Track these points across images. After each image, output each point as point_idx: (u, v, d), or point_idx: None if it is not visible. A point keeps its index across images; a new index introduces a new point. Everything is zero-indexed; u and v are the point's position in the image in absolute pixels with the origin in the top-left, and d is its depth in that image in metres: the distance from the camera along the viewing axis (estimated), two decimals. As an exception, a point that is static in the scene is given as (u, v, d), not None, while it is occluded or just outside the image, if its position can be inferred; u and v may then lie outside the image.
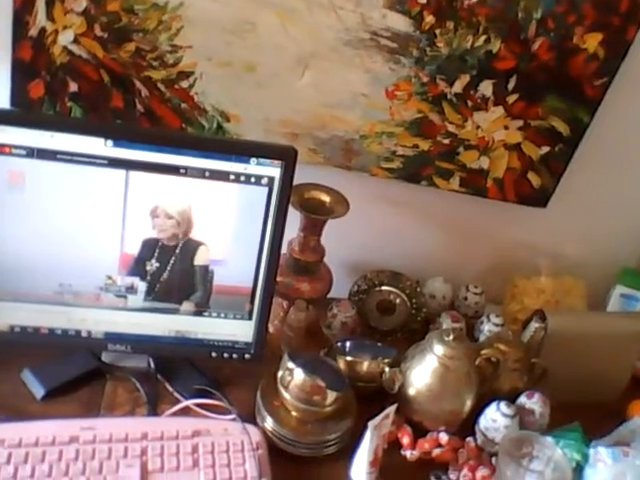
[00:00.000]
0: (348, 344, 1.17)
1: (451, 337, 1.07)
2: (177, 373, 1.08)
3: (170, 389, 1.06)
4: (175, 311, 1.01)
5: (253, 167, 0.94)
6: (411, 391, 1.07)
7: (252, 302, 1.02)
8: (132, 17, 0.99)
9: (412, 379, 1.08)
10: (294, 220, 1.12)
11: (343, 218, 1.14)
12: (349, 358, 1.13)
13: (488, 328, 1.28)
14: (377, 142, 1.17)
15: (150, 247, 0.96)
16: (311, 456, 1.01)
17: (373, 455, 0.98)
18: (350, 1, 1.03)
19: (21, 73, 1.00)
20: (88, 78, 1.02)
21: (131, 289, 0.98)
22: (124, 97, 1.05)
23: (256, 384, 1.06)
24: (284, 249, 1.14)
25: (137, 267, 0.97)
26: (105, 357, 1.06)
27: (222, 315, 1.02)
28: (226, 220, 0.96)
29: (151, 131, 1.04)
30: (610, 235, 1.39)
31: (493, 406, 1.07)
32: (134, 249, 0.95)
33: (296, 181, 1.03)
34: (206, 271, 0.99)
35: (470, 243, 1.37)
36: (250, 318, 1.03)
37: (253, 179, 0.94)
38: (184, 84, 1.06)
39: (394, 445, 1.06)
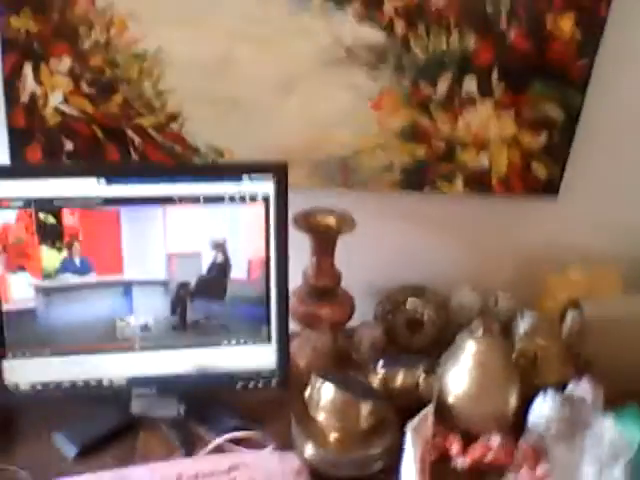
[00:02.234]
0: (380, 362, 1.13)
1: (480, 331, 1.03)
2: (207, 414, 1.05)
3: (203, 431, 1.03)
4: (194, 345, 0.99)
5: (246, 186, 0.95)
6: (450, 398, 1.03)
7: (269, 324, 1.00)
8: (115, 69, 1.03)
9: (449, 384, 1.04)
10: (304, 247, 1.11)
11: (353, 239, 1.13)
12: (382, 374, 1.09)
13: (523, 327, 1.23)
14: (372, 156, 1.17)
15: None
16: (356, 476, 0.96)
17: (420, 463, 0.93)
18: (320, 21, 1.06)
19: (17, 138, 1.04)
20: (82, 135, 1.06)
21: (145, 328, 0.98)
22: (119, 148, 1.08)
23: (288, 412, 1.03)
24: (300, 279, 1.14)
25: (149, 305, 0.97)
26: (134, 408, 1.04)
27: (242, 341, 1.00)
28: (232, 242, 0.97)
29: (141, 164, 1.07)
30: (634, 216, 1.34)
31: (539, 399, 1.01)
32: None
33: (298, 207, 1.05)
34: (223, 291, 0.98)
35: (489, 245, 1.33)
36: (269, 342, 1.01)
37: (248, 198, 0.95)
38: (174, 127, 1.09)
39: (444, 458, 1.00)
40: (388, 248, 1.29)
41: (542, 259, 1.34)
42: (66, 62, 1.02)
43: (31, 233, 0.91)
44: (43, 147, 1.06)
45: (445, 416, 1.01)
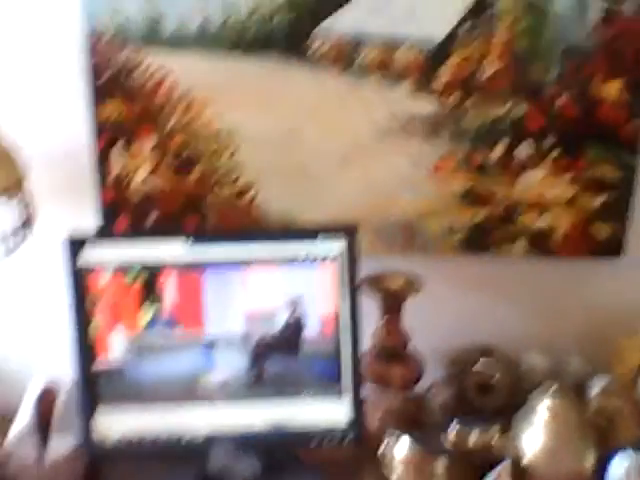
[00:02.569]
0: (452, 423, 1.13)
1: (555, 387, 1.04)
2: (285, 472, 1.07)
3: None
4: (270, 400, 1.03)
5: (319, 247, 1.01)
6: (525, 459, 1.02)
7: (340, 381, 1.03)
8: (194, 147, 1.13)
9: (524, 445, 1.03)
10: (372, 310, 1.15)
11: (419, 304, 1.16)
12: (455, 433, 1.09)
13: (596, 387, 1.21)
14: (434, 220, 1.22)
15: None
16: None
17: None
18: (377, 95, 1.14)
19: (107, 212, 1.14)
20: (164, 207, 1.15)
21: (225, 383, 1.02)
22: (197, 219, 1.16)
23: (360, 470, 1.04)
24: (368, 341, 1.17)
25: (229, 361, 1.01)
26: (211, 467, 1.07)
27: (316, 397, 1.03)
28: (305, 300, 1.02)
29: (225, 229, 1.16)
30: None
31: (617, 459, 0.99)
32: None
33: (364, 272, 1.09)
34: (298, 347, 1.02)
35: (555, 307, 1.34)
36: (342, 398, 1.04)
37: (320, 257, 1.01)
38: (247, 197, 1.17)
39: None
40: (453, 310, 1.31)
41: (611, 319, 1.32)
42: (150, 142, 1.12)
43: (123, 295, 0.98)
44: (130, 219, 1.15)
45: (520, 477, 1.00)
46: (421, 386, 1.22)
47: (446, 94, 1.16)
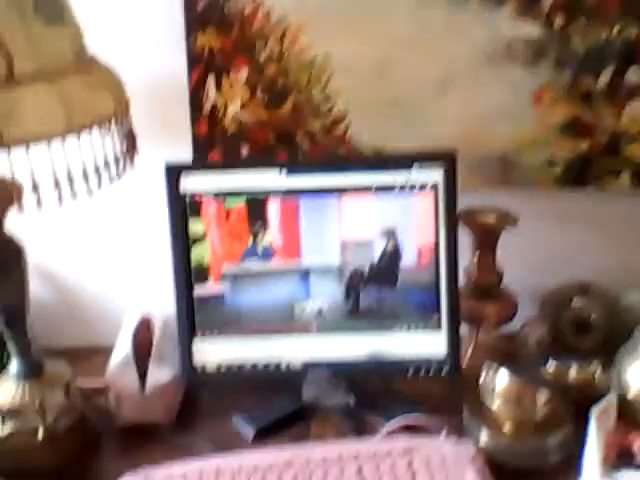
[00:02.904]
0: (549, 359, 1.11)
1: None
2: (378, 403, 1.07)
3: (373, 419, 1.05)
4: (367, 330, 1.02)
5: (416, 175, 0.98)
6: (630, 394, 0.98)
7: (439, 310, 1.02)
8: (287, 77, 1.12)
9: (628, 380, 0.99)
10: (465, 245, 1.12)
11: (512, 240, 1.13)
12: (554, 368, 1.06)
13: None
14: (532, 152, 1.17)
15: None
16: (533, 468, 0.94)
17: (603, 453, 0.89)
18: (478, 20, 1.09)
19: (201, 146, 1.14)
20: (256, 140, 1.15)
21: (320, 312, 1.02)
22: (288, 152, 1.15)
23: (458, 401, 1.03)
24: (462, 278, 1.15)
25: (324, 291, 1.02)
26: (306, 397, 1.08)
27: (413, 328, 1.02)
28: (402, 230, 1.00)
29: (319, 158, 1.14)
30: None
31: None
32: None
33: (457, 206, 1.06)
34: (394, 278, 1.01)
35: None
36: (440, 329, 1.02)
37: (418, 186, 0.98)
38: (340, 130, 1.15)
39: (624, 455, 0.95)
40: (549, 246, 1.26)
41: None
42: (244, 73, 1.11)
43: (222, 224, 0.99)
44: (222, 152, 1.15)
45: (625, 413, 0.97)
46: (515, 324, 1.19)
47: (551, 17, 1.10)
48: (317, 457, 0.91)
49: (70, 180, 0.73)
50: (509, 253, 1.16)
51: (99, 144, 0.78)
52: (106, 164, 0.79)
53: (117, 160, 0.81)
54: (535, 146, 1.17)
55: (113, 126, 0.80)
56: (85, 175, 0.75)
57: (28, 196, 0.71)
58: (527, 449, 0.95)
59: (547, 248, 1.26)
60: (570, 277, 1.24)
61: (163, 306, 1.13)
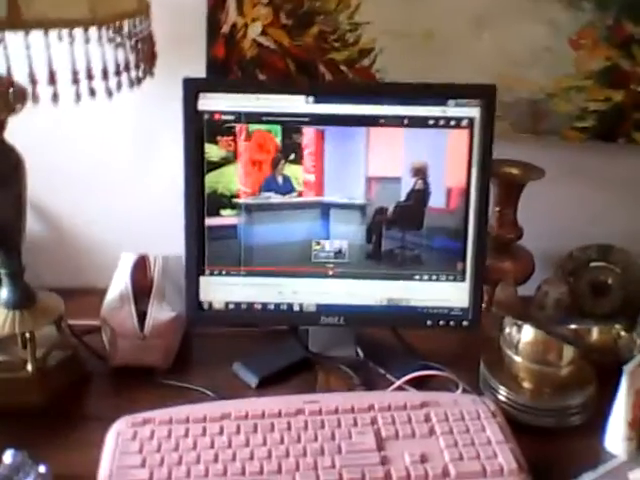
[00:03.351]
0: (569, 320, 1.06)
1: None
2: (387, 356, 1.02)
3: (383, 372, 1.00)
4: (386, 276, 0.96)
5: (452, 109, 0.92)
6: (654, 356, 0.94)
7: (464, 260, 0.96)
8: (314, 1, 1.03)
9: (652, 342, 0.95)
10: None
11: (536, 195, 1.08)
12: (575, 328, 1.02)
13: None
14: (565, 100, 1.11)
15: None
16: (553, 427, 0.90)
17: (631, 414, 0.85)
18: (522, -48, 1.02)
19: (215, 69, 1.06)
20: (275, 67, 1.07)
21: (339, 253, 0.96)
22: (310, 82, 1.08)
23: (473, 355, 0.98)
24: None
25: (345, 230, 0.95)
26: (312, 346, 1.03)
27: (434, 277, 0.96)
28: (433, 168, 0.93)
29: (349, 84, 1.06)
30: None
31: None
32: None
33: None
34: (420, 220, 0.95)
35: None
36: (463, 279, 0.97)
37: (453, 122, 0.92)
38: (365, 62, 1.07)
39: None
40: (574, 204, 1.21)
41: None
42: (267, -6, 1.03)
43: (241, 149, 0.92)
44: (238, 78, 1.07)
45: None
46: (530, 286, 1.14)
47: (597, -46, 1.03)
48: (329, 407, 0.86)
49: (89, 77, 0.65)
50: (532, 210, 1.12)
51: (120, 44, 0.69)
52: (127, 66, 0.71)
53: (138, 64, 0.72)
54: (569, 94, 1.11)
55: (136, 26, 0.71)
56: (105, 74, 0.67)
57: (43, 90, 0.63)
58: (548, 408, 0.91)
59: (572, 206, 1.21)
60: (594, 237, 1.19)
61: (163, 247, 1.07)
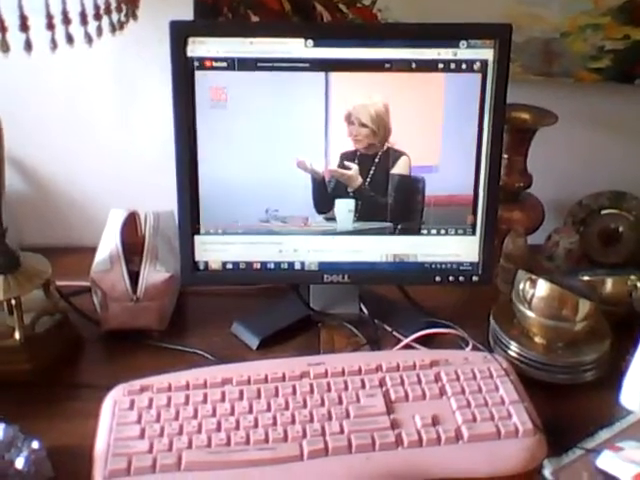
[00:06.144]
0: (579, 272, 1.02)
1: None
2: (392, 313, 0.98)
3: (389, 330, 0.96)
4: (388, 231, 0.91)
5: (463, 51, 0.85)
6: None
7: (474, 213, 0.91)
8: None
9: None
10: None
11: (547, 140, 1.03)
12: (588, 278, 0.98)
13: None
14: (581, 39, 1.04)
15: (349, 159, 0.88)
16: (567, 384, 0.87)
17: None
18: None
19: (203, 12, 0.98)
20: (269, 9, 0.99)
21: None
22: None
23: (477, 314, 0.95)
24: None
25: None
26: (314, 304, 0.99)
27: (442, 232, 0.91)
28: (436, 118, 0.87)
29: (353, 25, 0.98)
30: None
31: None
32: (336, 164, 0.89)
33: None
34: (416, 180, 0.89)
35: None
36: (474, 233, 0.92)
37: (464, 65, 0.85)
38: (366, 1, 1.00)
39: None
40: (585, 151, 1.16)
41: None
42: None
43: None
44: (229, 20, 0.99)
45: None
46: (539, 236, 1.10)
47: None
48: (335, 368, 0.83)
49: (66, 22, 0.57)
50: (541, 157, 1.07)
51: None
52: (107, 9, 0.63)
53: (119, 7, 0.65)
54: (585, 32, 1.04)
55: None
56: (83, 18, 0.59)
57: (14, 38, 0.55)
58: (563, 363, 0.87)
59: (582, 154, 1.16)
60: (604, 188, 1.14)
61: (153, 202, 1.03)
